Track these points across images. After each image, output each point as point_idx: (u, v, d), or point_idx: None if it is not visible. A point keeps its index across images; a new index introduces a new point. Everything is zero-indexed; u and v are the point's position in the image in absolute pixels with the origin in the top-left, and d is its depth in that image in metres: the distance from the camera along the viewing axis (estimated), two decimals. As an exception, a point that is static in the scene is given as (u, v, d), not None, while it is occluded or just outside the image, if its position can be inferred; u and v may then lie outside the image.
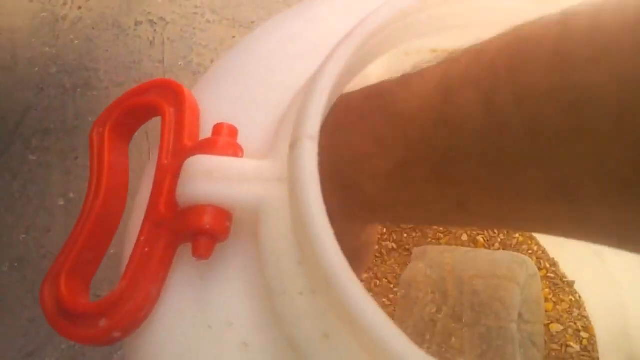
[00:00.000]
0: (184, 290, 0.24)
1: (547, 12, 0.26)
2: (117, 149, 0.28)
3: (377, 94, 0.22)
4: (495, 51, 0.18)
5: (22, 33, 0.74)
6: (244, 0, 0.75)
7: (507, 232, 0.47)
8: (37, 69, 0.72)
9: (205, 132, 0.27)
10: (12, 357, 0.59)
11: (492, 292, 0.37)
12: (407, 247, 0.46)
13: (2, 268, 0.62)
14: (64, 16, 0.75)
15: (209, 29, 0.75)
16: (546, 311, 0.43)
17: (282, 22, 0.31)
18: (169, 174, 0.25)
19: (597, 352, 0.43)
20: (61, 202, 0.66)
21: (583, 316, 0.43)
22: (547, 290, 0.44)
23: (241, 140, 0.26)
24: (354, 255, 0.25)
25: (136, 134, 0.29)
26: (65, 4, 0.74)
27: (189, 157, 0.24)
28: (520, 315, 0.38)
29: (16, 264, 0.63)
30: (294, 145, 0.20)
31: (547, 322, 0.43)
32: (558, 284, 0.45)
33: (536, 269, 0.42)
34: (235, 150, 0.24)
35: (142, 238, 0.24)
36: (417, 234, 0.47)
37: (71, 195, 0.66)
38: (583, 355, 0.43)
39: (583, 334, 0.43)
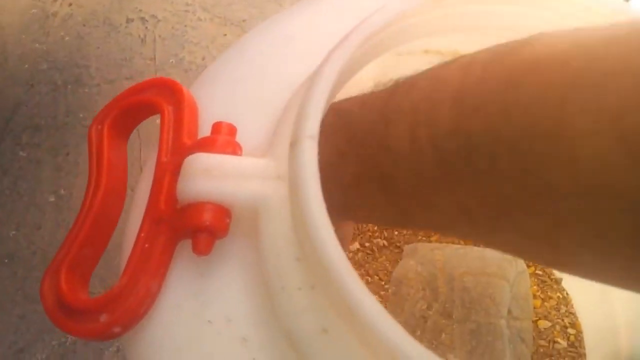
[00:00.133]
0: (184, 285, 0.24)
1: (534, 14, 0.27)
2: (115, 146, 0.28)
3: (344, 112, 0.25)
4: (418, 89, 0.21)
5: (12, 29, 0.73)
6: (235, -2, 0.76)
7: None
8: (27, 65, 0.71)
9: (204, 131, 0.27)
10: (2, 354, 0.59)
11: (482, 289, 0.38)
12: (398, 244, 0.47)
13: (-8, 265, 0.62)
14: (55, 13, 0.74)
15: (200, 27, 0.75)
16: (534, 308, 0.43)
17: (279, 22, 0.31)
18: (169, 172, 0.25)
19: (584, 348, 0.44)
20: (52, 199, 0.65)
21: (570, 313, 0.44)
22: (535, 287, 0.45)
23: (239, 138, 0.26)
24: None
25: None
26: (55, 0, 0.74)
27: (188, 155, 0.25)
28: (509, 311, 0.39)
29: (6, 260, 0.63)
30: (294, 145, 0.21)
31: (535, 318, 0.44)
32: (546, 281, 0.46)
33: (525, 266, 0.42)
34: (234, 149, 0.25)
35: (142, 234, 0.25)
36: (408, 232, 0.47)
37: (62, 191, 0.66)
38: (570, 351, 0.43)
39: (570, 330, 0.44)
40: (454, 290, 0.39)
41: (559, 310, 0.44)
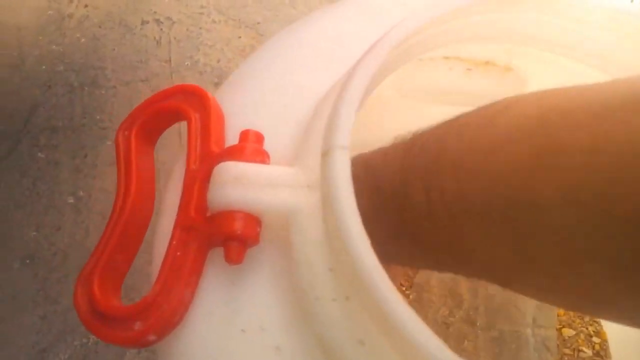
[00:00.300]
0: (216, 294, 0.25)
1: (552, 22, 0.27)
2: (143, 152, 0.28)
3: (371, 168, 0.26)
4: (427, 151, 0.23)
5: (29, 30, 0.74)
6: (249, 0, 0.76)
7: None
8: (44, 67, 0.72)
9: (230, 138, 0.27)
10: (26, 354, 0.60)
11: (506, 297, 0.38)
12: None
13: (13, 265, 0.63)
14: (70, 14, 0.75)
15: (215, 29, 0.75)
16: (558, 316, 0.43)
17: (301, 29, 0.31)
18: (198, 179, 0.26)
19: (610, 357, 0.44)
20: (71, 200, 0.66)
21: (595, 321, 0.44)
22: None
23: (266, 146, 0.26)
24: None
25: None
26: (71, 2, 0.75)
27: (217, 163, 0.25)
28: (534, 319, 0.39)
29: (27, 261, 0.63)
30: (326, 155, 0.21)
31: (559, 326, 0.44)
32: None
33: None
34: (262, 157, 0.25)
35: (173, 242, 0.25)
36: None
37: (80, 193, 0.66)
38: (596, 360, 0.43)
39: (595, 339, 0.44)
40: (477, 297, 0.39)
41: (583, 319, 0.44)
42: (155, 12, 0.75)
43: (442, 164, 0.22)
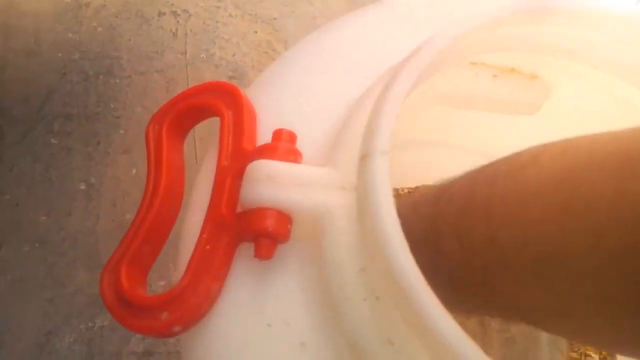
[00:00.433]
0: (243, 288, 0.25)
1: (581, 32, 0.27)
2: (173, 146, 0.29)
3: (401, 218, 0.27)
4: (457, 201, 0.24)
5: (46, 17, 0.74)
6: (266, -5, 0.76)
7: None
8: (60, 54, 0.72)
9: (262, 136, 0.28)
10: (32, 336, 0.60)
11: None
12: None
13: (23, 248, 0.63)
14: (88, 3, 0.75)
15: (231, 23, 0.75)
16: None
17: (332, 31, 0.32)
18: (229, 176, 0.26)
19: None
20: (82, 187, 0.66)
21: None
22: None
23: (298, 145, 0.26)
24: None
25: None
26: (89, -11, 0.75)
27: (250, 161, 0.25)
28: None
29: (37, 245, 0.64)
30: (365, 158, 0.21)
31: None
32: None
33: None
34: (295, 156, 0.25)
35: (204, 236, 0.25)
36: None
37: (92, 180, 0.67)
38: (602, 364, 0.44)
39: (603, 344, 0.44)
40: None
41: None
42: (172, 4, 0.76)
43: (473, 211, 0.22)
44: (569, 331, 0.22)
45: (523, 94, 0.35)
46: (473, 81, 0.35)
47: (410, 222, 0.26)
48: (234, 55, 0.73)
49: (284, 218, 0.24)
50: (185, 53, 0.73)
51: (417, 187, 0.44)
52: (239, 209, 0.25)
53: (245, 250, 0.25)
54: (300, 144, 0.27)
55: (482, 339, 0.40)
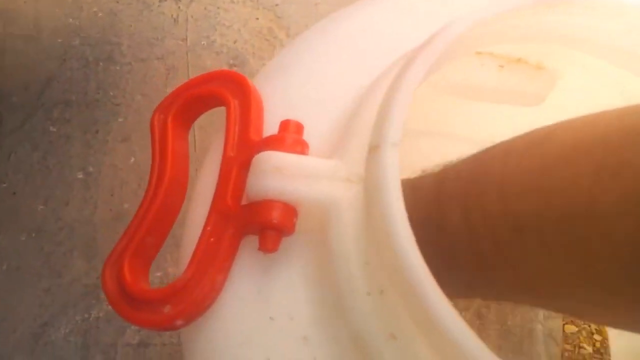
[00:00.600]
0: (247, 281, 0.25)
1: (590, 21, 0.26)
2: (178, 136, 0.28)
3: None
4: (465, 177, 0.24)
5: (46, 2, 0.73)
6: (269, -18, 0.75)
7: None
8: (60, 40, 0.71)
9: (268, 127, 0.27)
10: (27, 326, 0.60)
11: None
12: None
13: (19, 237, 0.63)
14: (88, -13, 0.74)
15: (233, 10, 0.74)
16: (562, 312, 0.44)
17: (340, 20, 0.31)
18: (235, 167, 0.25)
19: (609, 355, 0.44)
20: (80, 175, 0.66)
21: (597, 319, 0.45)
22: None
23: (305, 136, 0.26)
24: None
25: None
26: (89, -25, 0.74)
27: (257, 152, 0.25)
28: (544, 315, 0.39)
29: (33, 234, 0.63)
30: (375, 150, 0.21)
31: (562, 322, 0.44)
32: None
33: None
34: (302, 148, 0.25)
35: (208, 228, 0.25)
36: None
37: (90, 169, 0.66)
38: (595, 357, 0.44)
39: (596, 337, 0.45)
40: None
41: (585, 316, 0.44)
42: (173, -10, 0.75)
43: (484, 187, 0.22)
44: (584, 302, 0.21)
45: (529, 84, 0.35)
46: (479, 71, 0.35)
47: (409, 203, 0.26)
48: (235, 42, 0.72)
49: (290, 210, 0.24)
50: (186, 39, 0.72)
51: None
52: (244, 201, 0.25)
53: (250, 242, 0.25)
54: (307, 135, 0.26)
55: (479, 330, 0.40)
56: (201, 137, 0.66)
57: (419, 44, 0.23)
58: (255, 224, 0.24)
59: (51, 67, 0.69)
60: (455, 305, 0.19)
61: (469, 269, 0.24)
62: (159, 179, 0.26)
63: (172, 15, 0.74)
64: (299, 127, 0.26)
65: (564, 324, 0.44)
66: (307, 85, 0.28)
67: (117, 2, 0.73)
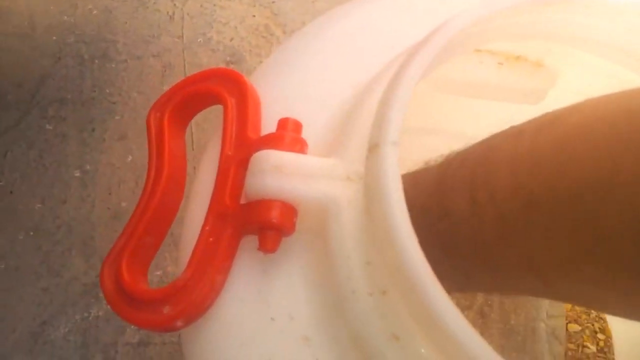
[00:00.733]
0: (247, 281, 0.24)
1: (590, 20, 0.26)
2: (175, 135, 0.28)
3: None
4: (473, 159, 0.24)
5: (40, 0, 0.73)
6: (265, -22, 0.75)
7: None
8: (54, 37, 0.71)
9: (266, 125, 0.27)
10: (26, 325, 0.60)
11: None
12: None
13: (17, 236, 0.63)
14: (83, -16, 0.74)
15: (230, 7, 0.74)
16: (565, 311, 0.44)
17: (338, 18, 0.31)
18: (233, 166, 0.25)
19: (613, 354, 0.44)
20: (77, 174, 0.65)
21: (600, 318, 0.44)
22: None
23: (304, 134, 0.26)
24: None
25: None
26: (84, -29, 0.73)
27: (255, 150, 0.24)
28: (547, 313, 0.39)
29: (31, 233, 0.63)
30: (374, 149, 0.21)
31: (565, 321, 0.44)
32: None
33: None
34: (301, 146, 0.25)
35: (207, 228, 0.25)
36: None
37: (87, 167, 0.66)
38: (599, 357, 0.44)
39: (600, 336, 0.44)
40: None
41: (589, 315, 0.44)
42: (169, -13, 0.74)
43: (494, 167, 0.22)
44: (591, 283, 0.21)
45: (528, 82, 0.35)
46: (478, 68, 0.35)
47: (408, 196, 0.26)
48: (231, 39, 0.72)
49: (289, 210, 0.24)
50: (182, 37, 0.72)
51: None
52: (242, 200, 0.25)
53: (249, 242, 0.25)
54: (306, 133, 0.26)
55: (482, 329, 0.40)
56: (198, 135, 0.66)
57: (417, 41, 0.23)
58: (254, 223, 0.24)
59: (46, 65, 0.69)
60: (458, 304, 0.19)
61: (471, 257, 0.24)
62: (157, 177, 0.26)
63: (167, 13, 0.73)
64: (297, 125, 0.25)
65: (567, 323, 0.44)
66: (305, 82, 0.28)
67: (112, -1, 0.73)
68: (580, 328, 0.44)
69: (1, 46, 0.71)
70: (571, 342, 0.43)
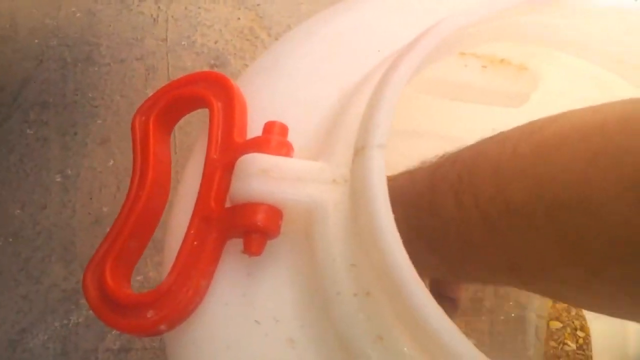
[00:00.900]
0: (232, 285, 0.24)
1: (571, 23, 0.27)
2: (160, 139, 0.28)
3: (397, 189, 0.27)
4: (461, 161, 0.24)
5: (23, 1, 0.72)
6: (250, -18, 0.75)
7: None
8: (37, 40, 0.70)
9: (252, 128, 0.27)
10: (4, 333, 0.59)
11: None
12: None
13: (-4, 243, 0.62)
14: (65, -13, 0.73)
15: (214, 9, 0.74)
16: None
17: (324, 21, 0.31)
18: (219, 169, 0.25)
19: (591, 351, 0.45)
20: (58, 179, 0.65)
21: (580, 315, 0.45)
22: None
23: (290, 138, 0.26)
24: None
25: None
26: (66, -26, 0.73)
27: (241, 154, 0.24)
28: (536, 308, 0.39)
29: (10, 240, 0.62)
30: (360, 152, 0.21)
31: (547, 319, 0.45)
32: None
33: None
34: (287, 150, 0.25)
35: (191, 232, 0.24)
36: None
37: (69, 171, 0.65)
38: (578, 354, 0.44)
39: (579, 333, 0.45)
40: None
41: (569, 312, 0.45)
42: (153, -10, 0.74)
43: (479, 171, 0.23)
44: (572, 285, 0.22)
45: (512, 85, 0.35)
46: (462, 72, 0.35)
47: (406, 191, 0.26)
48: (216, 42, 0.72)
49: (275, 213, 0.23)
50: (166, 40, 0.71)
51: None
52: (228, 204, 0.25)
53: (234, 246, 0.25)
54: (292, 136, 0.26)
55: (469, 324, 0.40)
56: (181, 139, 0.66)
57: (404, 45, 0.23)
58: (239, 226, 0.23)
59: (28, 68, 0.68)
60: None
61: (457, 254, 0.25)
62: (141, 181, 0.26)
63: (151, 15, 0.73)
64: (283, 129, 0.25)
65: (548, 321, 0.44)
66: (291, 86, 0.28)
67: (96, 1, 0.73)
68: (561, 325, 0.44)
69: (-18, 49, 0.70)
70: (553, 340, 0.44)
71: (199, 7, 0.74)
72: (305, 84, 0.28)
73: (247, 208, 0.23)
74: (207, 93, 0.27)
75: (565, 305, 0.45)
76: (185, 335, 0.24)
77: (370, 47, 0.29)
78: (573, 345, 0.44)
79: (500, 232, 0.22)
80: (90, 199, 0.64)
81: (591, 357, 0.44)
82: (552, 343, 0.44)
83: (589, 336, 0.45)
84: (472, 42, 0.26)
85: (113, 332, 0.61)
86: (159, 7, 0.73)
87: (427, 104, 0.38)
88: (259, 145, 0.24)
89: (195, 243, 0.24)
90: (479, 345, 0.19)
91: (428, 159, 0.27)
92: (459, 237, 0.24)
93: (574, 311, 0.45)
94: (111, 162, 0.65)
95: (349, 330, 0.22)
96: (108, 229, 0.26)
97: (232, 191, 0.24)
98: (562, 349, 0.44)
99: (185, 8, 0.74)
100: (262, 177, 0.23)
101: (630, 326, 0.43)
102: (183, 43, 0.72)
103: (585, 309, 0.41)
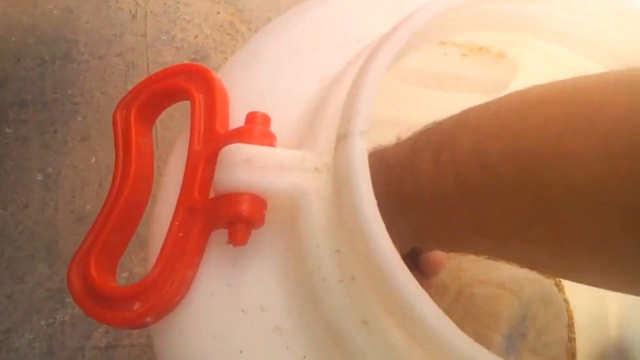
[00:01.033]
0: (217, 275, 0.25)
1: (551, 10, 0.27)
2: (142, 132, 0.28)
3: (381, 152, 0.28)
4: (445, 125, 0.25)
5: (-3, -1, 0.71)
6: (229, -24, 0.74)
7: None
8: (13, 38, 0.69)
9: (235, 119, 0.27)
10: (-11, 334, 0.58)
11: (489, 300, 0.38)
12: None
13: (-22, 243, 0.61)
14: (41, -16, 0.72)
15: (193, 4, 0.73)
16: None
17: (306, 12, 0.31)
18: (202, 160, 0.25)
19: (574, 333, 0.45)
20: (39, 177, 0.64)
21: (565, 301, 0.46)
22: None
23: (272, 127, 0.26)
24: None
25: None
26: (42, -30, 0.72)
27: (223, 145, 0.24)
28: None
29: (-7, 240, 0.61)
30: (343, 139, 0.21)
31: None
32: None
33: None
34: (270, 139, 0.25)
35: (176, 223, 0.24)
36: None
37: (50, 170, 0.64)
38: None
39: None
40: (461, 293, 0.39)
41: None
42: (131, -15, 0.73)
43: (460, 131, 0.23)
44: (544, 244, 0.22)
45: (491, 72, 0.35)
46: (442, 60, 0.35)
47: (386, 153, 0.27)
48: (195, 37, 0.71)
49: (259, 202, 0.24)
50: (145, 35, 0.71)
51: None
52: (211, 194, 0.25)
53: (219, 236, 0.25)
54: (274, 126, 0.26)
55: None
56: (163, 134, 0.65)
57: (383, 34, 0.23)
58: (223, 217, 0.24)
59: (5, 67, 0.67)
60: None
61: (429, 212, 0.25)
62: (124, 175, 0.26)
63: (130, 11, 0.72)
64: (265, 119, 0.25)
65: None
66: (272, 76, 0.28)
67: (73, -2, 0.72)
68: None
69: (-43, 48, 0.69)
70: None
71: (178, 2, 0.73)
72: (286, 75, 0.28)
73: (231, 198, 0.23)
74: (188, 85, 0.27)
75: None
76: (172, 327, 0.24)
77: (350, 37, 0.29)
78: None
79: (473, 190, 0.22)
80: (73, 197, 0.64)
81: (574, 339, 0.45)
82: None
83: (572, 319, 0.46)
84: (452, 29, 0.26)
85: (99, 330, 0.60)
86: (137, 3, 0.73)
87: (408, 93, 0.38)
88: (241, 135, 0.24)
89: (180, 234, 0.24)
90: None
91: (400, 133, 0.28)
92: (433, 196, 0.24)
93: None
94: (93, 160, 0.65)
95: (335, 316, 0.22)
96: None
97: (215, 181, 0.24)
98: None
99: (164, 3, 0.73)
100: (245, 166, 0.23)
101: (612, 307, 0.44)
102: (163, 38, 0.71)
103: (555, 275, 0.42)
